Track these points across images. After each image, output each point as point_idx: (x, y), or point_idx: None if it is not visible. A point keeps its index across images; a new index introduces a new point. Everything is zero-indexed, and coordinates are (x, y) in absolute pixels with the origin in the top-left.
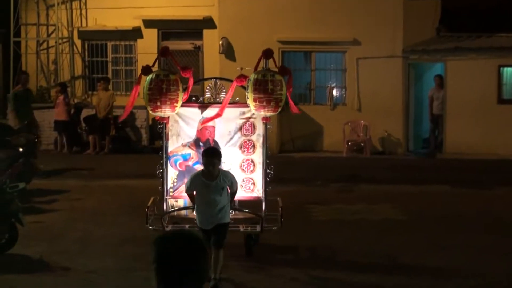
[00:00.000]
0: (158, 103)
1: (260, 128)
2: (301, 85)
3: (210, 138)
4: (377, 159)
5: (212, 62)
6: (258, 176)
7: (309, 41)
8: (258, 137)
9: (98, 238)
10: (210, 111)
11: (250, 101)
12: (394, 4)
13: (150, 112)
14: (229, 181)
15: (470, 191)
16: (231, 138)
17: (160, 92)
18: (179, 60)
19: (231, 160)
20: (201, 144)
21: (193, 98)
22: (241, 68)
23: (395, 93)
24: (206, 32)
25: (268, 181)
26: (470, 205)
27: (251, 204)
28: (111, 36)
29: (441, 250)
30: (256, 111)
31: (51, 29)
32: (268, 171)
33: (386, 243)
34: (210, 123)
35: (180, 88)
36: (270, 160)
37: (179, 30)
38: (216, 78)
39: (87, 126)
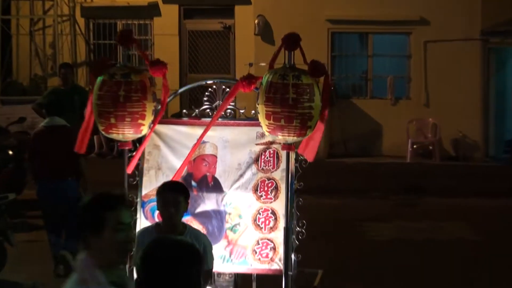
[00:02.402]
0: (112, 120)
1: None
2: (355, 75)
3: (208, 174)
4: (449, 166)
5: (246, 46)
6: (281, 236)
7: (366, 20)
8: (283, 175)
9: None
10: (211, 131)
11: (261, 118)
12: None
13: (103, 133)
14: (201, 245)
15: None
16: (241, 175)
17: (115, 102)
18: (204, 44)
19: (241, 210)
20: (193, 183)
21: (184, 111)
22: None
23: (471, 84)
24: (238, 9)
25: (297, 244)
26: None
27: (271, 280)
28: (122, 13)
29: None
30: (270, 134)
31: (48, 4)
32: (298, 228)
33: (458, 269)
34: (209, 151)
35: (149, 96)
36: (313, 172)
37: (205, 6)
38: (219, 81)
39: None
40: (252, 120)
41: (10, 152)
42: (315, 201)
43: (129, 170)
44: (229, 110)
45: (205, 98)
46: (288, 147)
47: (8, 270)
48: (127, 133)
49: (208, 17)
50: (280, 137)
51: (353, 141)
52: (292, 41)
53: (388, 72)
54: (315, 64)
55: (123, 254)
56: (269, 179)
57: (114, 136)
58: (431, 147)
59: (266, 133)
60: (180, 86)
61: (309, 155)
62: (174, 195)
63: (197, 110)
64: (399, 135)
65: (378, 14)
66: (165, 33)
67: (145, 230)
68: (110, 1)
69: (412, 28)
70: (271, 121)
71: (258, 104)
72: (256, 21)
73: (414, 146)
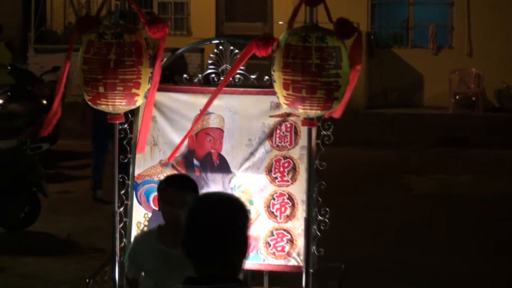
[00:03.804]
0: (101, 89)
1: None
2: (396, 23)
3: (213, 151)
4: (492, 118)
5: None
6: (300, 226)
7: None
8: (303, 153)
9: None
10: (217, 100)
11: (277, 88)
12: None
13: (89, 103)
14: None
15: None
16: (252, 153)
17: (104, 66)
18: None
19: (252, 194)
20: (196, 162)
21: (185, 76)
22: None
23: None
24: None
25: (318, 235)
26: None
27: (286, 275)
28: None
29: None
30: (289, 107)
31: None
32: (319, 217)
33: (504, 226)
34: (214, 124)
35: (145, 60)
36: (352, 123)
37: None
38: (226, 40)
39: None
40: (266, 88)
41: (44, 102)
42: (354, 152)
43: (141, 149)
44: (238, 76)
45: (209, 61)
46: (309, 122)
47: (42, 221)
48: (118, 105)
49: None
50: (301, 110)
51: (393, 92)
52: None
53: (430, 20)
54: (342, 22)
55: None
56: (285, 158)
57: (103, 108)
58: (474, 98)
59: (284, 106)
60: (217, 35)
61: (336, 112)
62: (182, 194)
63: (200, 75)
64: (441, 86)
65: None
66: None
67: (145, 235)
68: None
69: None
70: (290, 92)
71: (273, 71)
72: None
73: (457, 97)
